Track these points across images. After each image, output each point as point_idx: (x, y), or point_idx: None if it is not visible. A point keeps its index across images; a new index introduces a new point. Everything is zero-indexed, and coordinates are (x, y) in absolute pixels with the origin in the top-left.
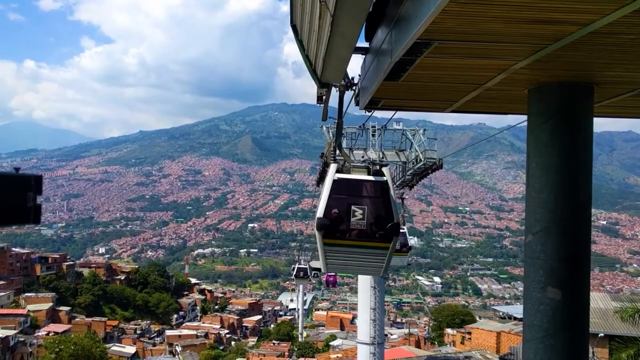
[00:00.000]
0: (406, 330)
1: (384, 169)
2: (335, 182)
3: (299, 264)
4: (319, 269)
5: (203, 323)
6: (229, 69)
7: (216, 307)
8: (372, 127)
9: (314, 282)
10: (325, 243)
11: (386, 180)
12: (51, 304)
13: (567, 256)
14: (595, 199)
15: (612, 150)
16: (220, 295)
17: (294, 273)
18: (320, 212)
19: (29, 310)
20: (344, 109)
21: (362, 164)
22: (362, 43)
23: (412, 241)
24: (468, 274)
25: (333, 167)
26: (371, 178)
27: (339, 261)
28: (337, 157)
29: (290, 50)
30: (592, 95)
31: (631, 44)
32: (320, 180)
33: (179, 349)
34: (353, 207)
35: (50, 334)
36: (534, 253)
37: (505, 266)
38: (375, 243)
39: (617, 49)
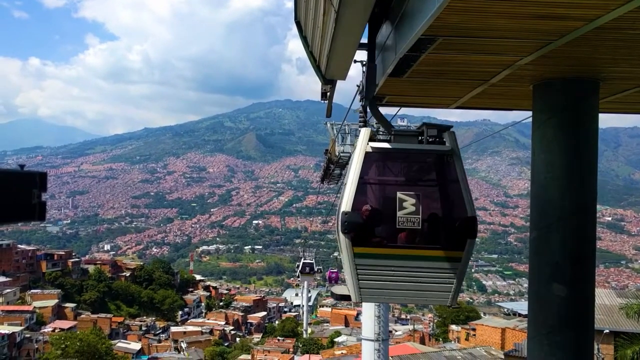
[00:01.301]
0: (411, 327)
1: (447, 133)
2: (370, 157)
3: (304, 259)
4: (346, 297)
5: (208, 319)
6: (233, 66)
7: (221, 303)
8: (376, 124)
9: (319, 278)
10: (357, 254)
11: (451, 150)
12: (57, 300)
13: (572, 252)
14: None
15: (617, 146)
16: (225, 291)
17: (299, 269)
18: (346, 205)
19: (35, 307)
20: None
21: (409, 129)
22: (366, 39)
23: None
24: (473, 270)
25: (365, 132)
26: (427, 147)
27: (379, 283)
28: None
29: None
30: (598, 91)
31: (637, 40)
32: (325, 176)
33: (184, 345)
34: (400, 195)
35: (56, 331)
36: (538, 249)
37: (510, 262)
38: (438, 252)
39: (623, 45)
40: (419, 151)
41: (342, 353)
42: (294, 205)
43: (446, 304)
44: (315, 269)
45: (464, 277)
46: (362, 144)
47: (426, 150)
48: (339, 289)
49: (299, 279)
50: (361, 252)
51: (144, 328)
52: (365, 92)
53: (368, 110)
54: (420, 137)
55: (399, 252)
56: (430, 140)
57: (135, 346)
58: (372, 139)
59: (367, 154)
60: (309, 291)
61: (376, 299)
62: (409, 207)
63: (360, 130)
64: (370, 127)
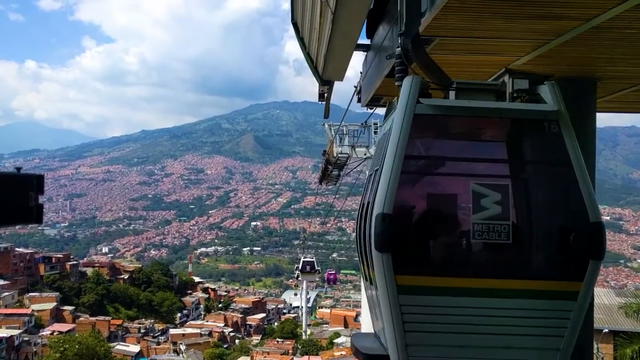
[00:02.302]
0: None
1: (548, 86)
2: (422, 124)
3: (305, 257)
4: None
5: (207, 321)
6: (231, 67)
7: (220, 305)
8: (374, 124)
9: (317, 279)
10: (402, 287)
11: (557, 113)
12: (55, 303)
13: None
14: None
15: (615, 145)
16: (224, 293)
17: (300, 267)
18: (382, 204)
19: (33, 310)
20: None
21: (480, 81)
22: (363, 40)
23: None
24: None
25: (411, 82)
26: (519, 108)
27: (439, 336)
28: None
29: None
30: (595, 91)
31: (633, 39)
32: (323, 177)
33: (183, 347)
34: (474, 187)
35: (55, 334)
36: None
37: None
38: (542, 283)
39: (619, 44)
40: (506, 114)
41: (341, 354)
42: (293, 206)
43: None
44: (316, 269)
45: (580, 326)
46: (409, 103)
47: (519, 111)
48: (366, 342)
49: (298, 279)
50: (409, 285)
51: (142, 330)
52: (405, 27)
53: (405, 54)
54: (499, 93)
55: (475, 285)
56: (517, 96)
57: (134, 349)
58: (423, 93)
59: (417, 118)
60: (307, 292)
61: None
62: (492, 208)
63: (404, 82)
64: (370, 126)
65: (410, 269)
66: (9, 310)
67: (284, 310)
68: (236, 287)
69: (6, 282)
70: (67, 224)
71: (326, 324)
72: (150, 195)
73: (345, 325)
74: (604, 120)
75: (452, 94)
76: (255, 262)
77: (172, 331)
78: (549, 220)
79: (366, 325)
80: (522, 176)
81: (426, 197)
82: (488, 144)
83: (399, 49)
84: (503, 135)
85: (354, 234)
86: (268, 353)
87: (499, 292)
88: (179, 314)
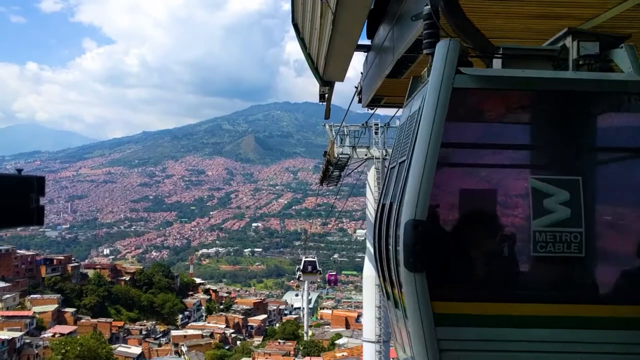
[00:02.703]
0: None
1: (622, 52)
2: (460, 99)
3: (306, 257)
4: None
5: (208, 323)
6: (231, 69)
7: (221, 306)
8: (375, 124)
9: (319, 280)
10: (442, 317)
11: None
12: (57, 305)
13: None
14: None
15: None
16: (225, 294)
17: (301, 267)
18: (414, 208)
19: (34, 312)
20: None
21: (534, 47)
22: (364, 40)
23: None
24: None
25: (444, 48)
26: (588, 77)
27: None
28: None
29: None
30: None
31: (633, 39)
32: (324, 178)
33: (184, 349)
34: (534, 183)
35: (56, 336)
36: None
37: None
38: (628, 309)
39: None
40: (574, 87)
41: (343, 355)
42: (293, 207)
43: None
44: (318, 269)
45: None
46: (446, 73)
47: (592, 82)
48: None
49: (300, 279)
50: (451, 314)
51: (144, 332)
52: None
53: (435, 13)
54: (558, 61)
55: (537, 313)
56: (584, 64)
57: (136, 350)
58: (462, 62)
59: (457, 93)
60: (309, 293)
61: None
62: (558, 212)
63: (438, 47)
64: (371, 127)
65: (452, 293)
66: (11, 313)
67: (286, 312)
68: (237, 289)
69: (7, 284)
70: (68, 225)
71: (328, 325)
72: (151, 197)
73: (347, 326)
74: None
75: (496, 63)
76: (257, 263)
77: (174, 333)
78: (634, 226)
79: (368, 326)
80: (598, 168)
81: (470, 197)
82: (550, 126)
83: (428, 7)
84: (571, 115)
85: (371, 243)
86: (269, 354)
87: (570, 321)
88: (180, 316)
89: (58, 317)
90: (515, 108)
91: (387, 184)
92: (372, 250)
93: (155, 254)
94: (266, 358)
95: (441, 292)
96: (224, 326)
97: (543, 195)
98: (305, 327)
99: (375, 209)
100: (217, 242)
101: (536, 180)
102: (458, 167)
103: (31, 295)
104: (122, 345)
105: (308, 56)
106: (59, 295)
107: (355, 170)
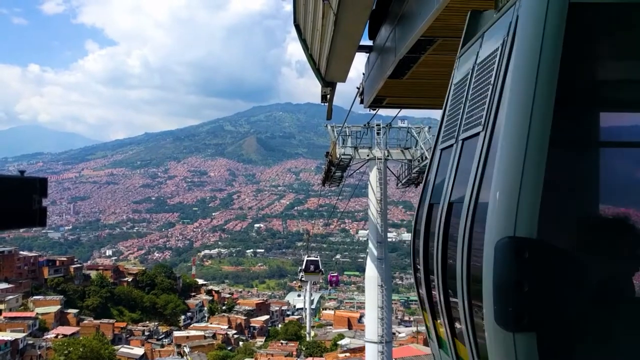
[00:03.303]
0: (414, 329)
1: None
2: (584, 25)
3: (308, 256)
4: None
5: (211, 324)
6: (233, 70)
7: (223, 307)
8: (377, 125)
9: (321, 280)
10: None
11: None
12: (59, 306)
13: None
14: None
15: None
16: (228, 295)
17: (303, 267)
18: (508, 215)
19: (37, 313)
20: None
21: None
22: (365, 41)
23: None
24: None
25: None
26: None
27: None
28: None
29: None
30: None
31: None
32: (326, 179)
33: (187, 349)
34: None
35: (59, 337)
36: None
37: None
38: None
39: None
40: None
41: (345, 356)
42: (296, 208)
43: None
44: (320, 269)
45: None
46: None
47: None
48: None
49: (302, 279)
50: None
51: (146, 333)
52: None
53: None
54: None
55: None
56: None
57: (138, 351)
58: None
59: (575, 11)
60: (311, 294)
61: None
62: None
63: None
64: (373, 128)
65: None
66: (13, 314)
67: (288, 312)
68: (240, 289)
69: (10, 286)
70: (70, 227)
71: (330, 325)
72: (153, 198)
73: (349, 327)
74: None
75: None
76: (259, 264)
77: (176, 333)
78: None
79: (370, 327)
80: None
81: (618, 200)
82: None
83: None
84: None
85: (413, 261)
86: (272, 355)
87: None
88: (182, 317)
89: (61, 318)
90: None
91: (438, 173)
92: (375, 252)
93: (157, 255)
94: (268, 359)
95: None
96: (226, 327)
97: None
98: (307, 328)
99: (416, 212)
100: (219, 243)
101: None
102: (591, 145)
103: (34, 297)
104: (125, 346)
105: (310, 57)
106: (62, 296)
107: (358, 171)
